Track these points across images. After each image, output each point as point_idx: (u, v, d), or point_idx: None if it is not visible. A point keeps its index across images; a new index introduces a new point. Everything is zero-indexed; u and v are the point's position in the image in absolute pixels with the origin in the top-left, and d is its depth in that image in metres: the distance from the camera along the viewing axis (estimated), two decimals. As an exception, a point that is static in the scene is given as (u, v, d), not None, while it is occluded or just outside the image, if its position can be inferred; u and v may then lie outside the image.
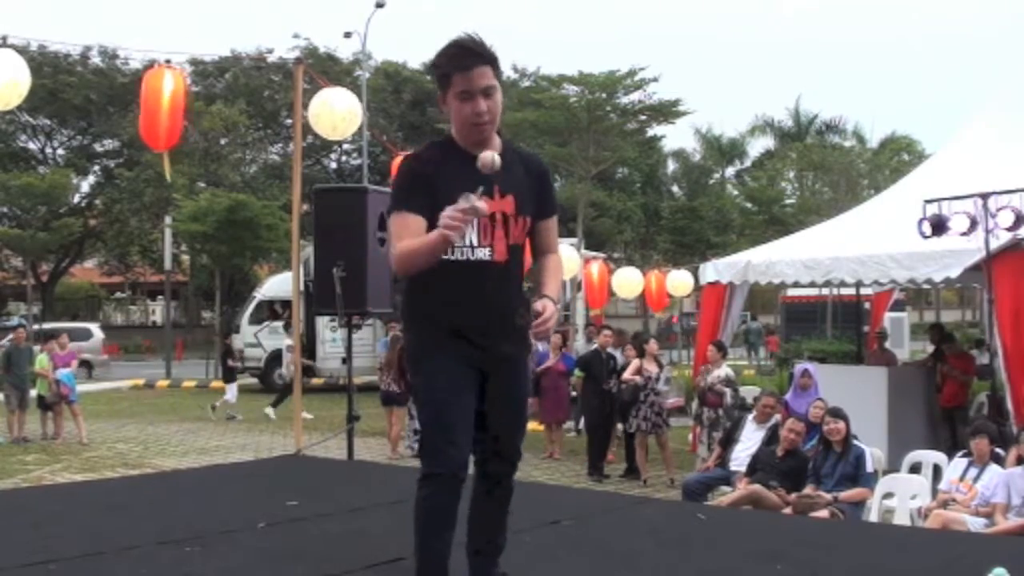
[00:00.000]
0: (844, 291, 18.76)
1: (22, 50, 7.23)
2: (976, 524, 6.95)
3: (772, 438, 8.54)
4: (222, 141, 36.15)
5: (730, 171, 48.16)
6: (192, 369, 28.16)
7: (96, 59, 40.13)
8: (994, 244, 9.08)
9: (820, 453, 7.86)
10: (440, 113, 38.77)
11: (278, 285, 24.14)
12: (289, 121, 36.89)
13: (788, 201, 38.34)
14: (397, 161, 9.45)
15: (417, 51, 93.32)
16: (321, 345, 21.82)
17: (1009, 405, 9.34)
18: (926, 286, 16.16)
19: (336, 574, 4.12)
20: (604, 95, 27.53)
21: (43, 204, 34.51)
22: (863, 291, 15.63)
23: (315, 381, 20.35)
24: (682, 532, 5.05)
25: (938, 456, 8.71)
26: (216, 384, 24.66)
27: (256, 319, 23.70)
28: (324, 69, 32.03)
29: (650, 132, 36.21)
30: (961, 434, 10.46)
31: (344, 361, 15.95)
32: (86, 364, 25.51)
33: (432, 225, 3.24)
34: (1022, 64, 15.08)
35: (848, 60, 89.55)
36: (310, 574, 4.15)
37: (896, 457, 9.32)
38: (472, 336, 3.43)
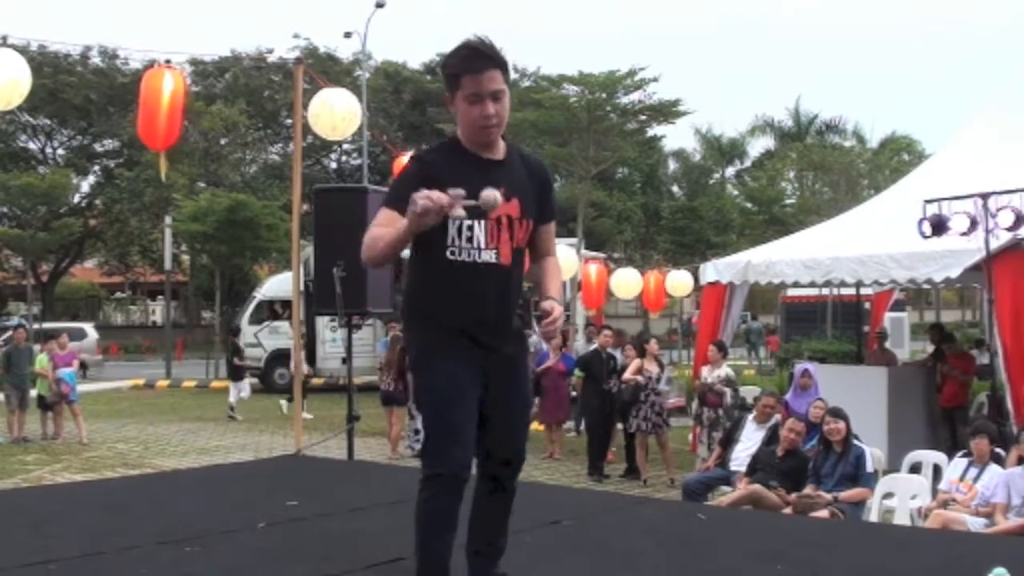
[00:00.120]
0: (844, 291, 18.77)
1: (22, 50, 7.23)
2: (976, 524, 6.95)
3: (772, 438, 8.54)
4: (222, 141, 36.17)
5: (730, 171, 48.21)
6: (192, 369, 28.16)
7: (96, 59, 40.18)
8: (994, 244, 9.09)
9: (820, 453, 7.86)
10: (441, 113, 38.98)
11: (278, 285, 24.13)
12: (289, 121, 36.89)
13: (788, 201, 38.34)
14: (398, 161, 9.47)
15: (417, 51, 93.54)
16: (321, 345, 21.82)
17: (1009, 405, 9.34)
18: (926, 286, 16.15)
19: (336, 574, 4.12)
20: (604, 95, 27.52)
21: (43, 204, 34.51)
22: (863, 291, 15.63)
23: (315, 381, 20.33)
24: (682, 532, 5.05)
25: (938, 456, 8.71)
26: (216, 384, 24.71)
27: (256, 319, 23.70)
28: (324, 69, 32.04)
29: (650, 132, 36.21)
30: (961, 434, 10.46)
31: (344, 361, 15.95)
32: (81, 364, 25.47)
33: (427, 230, 3.25)
34: (1022, 64, 15.09)
35: (848, 60, 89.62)
36: (310, 574, 4.15)
37: (896, 457, 9.32)
38: (475, 336, 3.43)
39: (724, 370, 11.19)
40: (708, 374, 11.37)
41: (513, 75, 40.69)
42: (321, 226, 7.98)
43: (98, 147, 43.66)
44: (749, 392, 12.34)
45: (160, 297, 44.41)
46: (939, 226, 9.24)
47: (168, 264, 30.94)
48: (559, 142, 28.62)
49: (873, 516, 7.56)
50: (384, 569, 4.15)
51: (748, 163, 46.86)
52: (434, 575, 3.47)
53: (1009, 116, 12.09)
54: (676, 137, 70.60)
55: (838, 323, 25.47)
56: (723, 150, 46.58)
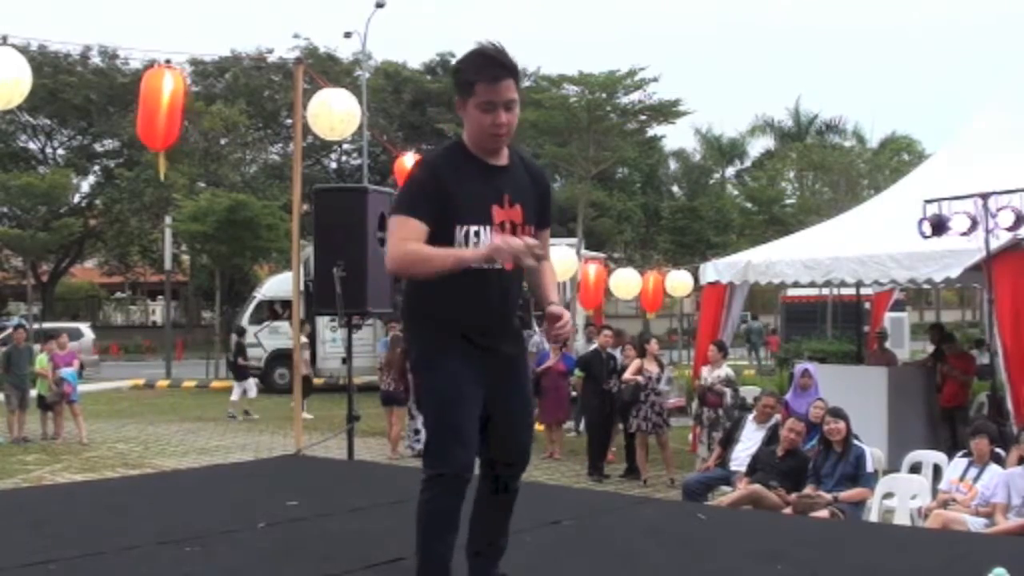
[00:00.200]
0: (844, 291, 18.77)
1: (22, 50, 7.21)
2: (976, 524, 6.95)
3: (772, 438, 8.54)
4: (222, 141, 36.17)
5: (730, 171, 48.19)
6: (192, 369, 28.15)
7: (96, 59, 40.16)
8: (994, 244, 9.08)
9: (820, 453, 7.86)
10: (441, 113, 38.85)
11: (278, 285, 24.12)
12: (289, 121, 36.89)
13: (788, 201, 38.32)
14: (398, 161, 9.47)
15: (417, 51, 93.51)
16: (321, 345, 21.81)
17: (1009, 405, 9.34)
18: (926, 286, 16.15)
19: (336, 574, 4.12)
20: (604, 95, 27.52)
21: (43, 204, 34.50)
22: (863, 291, 15.63)
23: (315, 381, 20.33)
24: (682, 532, 5.05)
25: (938, 456, 8.71)
26: (216, 384, 24.71)
27: (256, 319, 23.69)
28: (324, 69, 32.04)
29: (650, 132, 36.20)
30: (961, 434, 10.45)
31: (344, 361, 15.95)
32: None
33: (434, 235, 3.31)
34: (1022, 64, 15.09)
35: (848, 59, 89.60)
36: (310, 574, 4.15)
37: (896, 457, 9.32)
38: (477, 338, 3.45)
39: (724, 370, 11.20)
40: (708, 374, 11.38)
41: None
42: (321, 226, 7.98)
43: (98, 147, 43.64)
44: (749, 392, 12.34)
45: (160, 297, 44.40)
46: (939, 226, 9.24)
47: (168, 264, 30.93)
48: (559, 142, 28.62)
49: (873, 516, 7.56)
50: (384, 569, 4.15)
51: (748, 163, 46.87)
52: (435, 575, 3.47)
53: (1009, 116, 12.09)
54: (676, 137, 70.63)
55: (838, 323, 25.46)
56: (723, 150, 46.56)
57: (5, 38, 6.95)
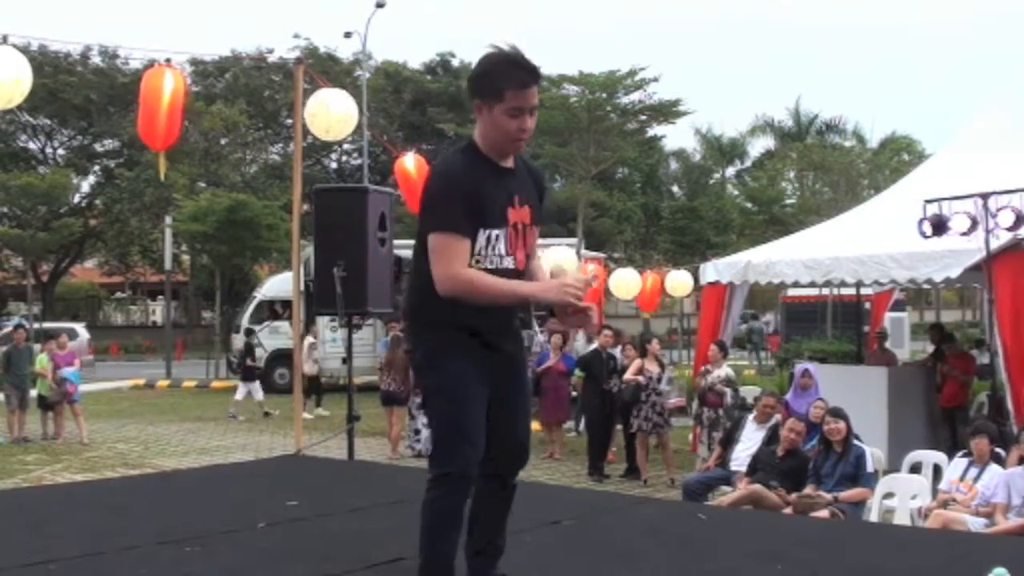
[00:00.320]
0: (844, 291, 18.76)
1: (23, 49, 7.20)
2: (976, 524, 6.95)
3: (772, 438, 8.55)
4: (222, 141, 36.16)
5: (730, 171, 48.16)
6: (192, 369, 28.15)
7: (96, 59, 40.17)
8: (994, 244, 9.08)
9: (820, 453, 7.86)
10: (441, 113, 38.79)
11: (278, 285, 24.12)
12: (289, 121, 36.87)
13: (788, 201, 38.31)
14: (398, 162, 9.46)
15: (417, 51, 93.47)
16: (321, 345, 21.79)
17: (1009, 405, 9.34)
18: (926, 286, 16.15)
19: (336, 574, 4.12)
20: (604, 95, 27.55)
21: (43, 204, 34.51)
22: (863, 291, 15.63)
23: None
24: (682, 532, 5.05)
25: (938, 456, 8.71)
26: (216, 384, 24.71)
27: (256, 319, 23.69)
28: (324, 69, 32.04)
29: (650, 132, 36.21)
30: (961, 434, 10.46)
31: (344, 361, 15.95)
32: (73, 364, 25.47)
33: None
34: (1022, 64, 15.09)
35: (848, 59, 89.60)
36: (310, 574, 4.15)
37: (896, 457, 9.32)
38: (488, 338, 3.49)
39: (724, 370, 11.20)
40: (707, 374, 11.37)
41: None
42: (321, 226, 7.98)
43: (98, 147, 43.64)
44: (749, 392, 12.34)
45: (160, 297, 44.40)
46: (939, 226, 9.24)
47: (168, 264, 30.93)
48: (559, 142, 28.64)
49: (873, 516, 7.56)
50: (384, 569, 4.15)
51: (748, 163, 46.84)
52: (439, 575, 3.48)
53: (1009, 116, 12.09)
54: (676, 137, 70.59)
55: (838, 323, 25.44)
56: (723, 150, 46.54)
57: (5, 38, 6.94)
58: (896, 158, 38.18)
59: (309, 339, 18.02)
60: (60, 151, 43.62)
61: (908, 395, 11.94)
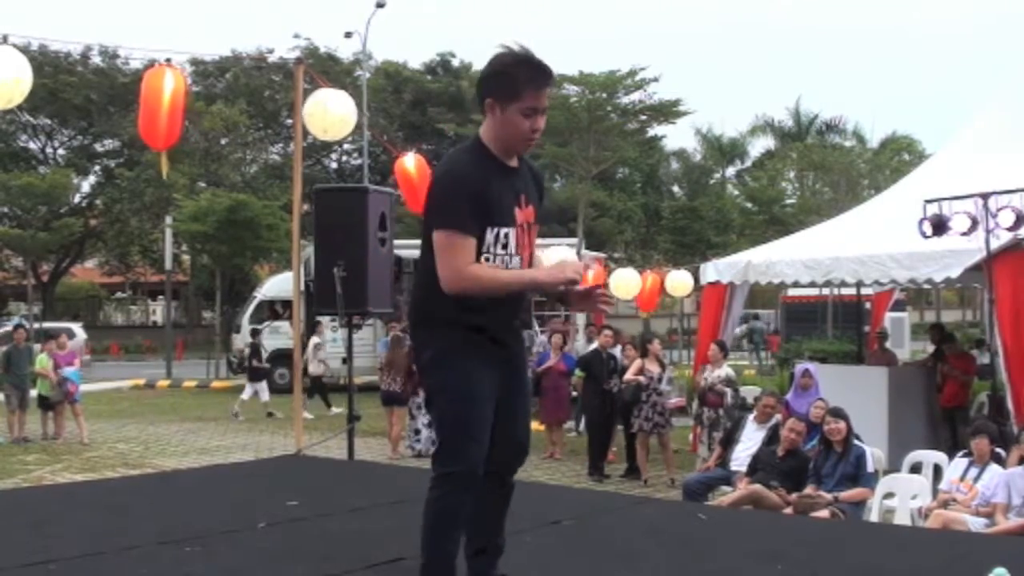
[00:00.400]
0: (844, 291, 18.76)
1: (23, 49, 7.19)
2: (977, 524, 6.95)
3: (773, 438, 8.54)
4: (223, 141, 36.17)
5: (730, 171, 48.14)
6: (193, 369, 28.16)
7: (96, 59, 40.20)
8: (995, 244, 9.08)
9: (821, 453, 7.86)
10: (441, 113, 38.69)
11: (278, 285, 24.12)
12: (289, 121, 36.86)
13: (788, 201, 38.30)
14: (398, 162, 9.45)
15: (418, 51, 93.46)
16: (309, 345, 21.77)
17: (1009, 405, 9.33)
18: (927, 286, 16.15)
19: (336, 574, 4.12)
20: (605, 95, 27.53)
21: (43, 204, 34.52)
22: (863, 291, 15.63)
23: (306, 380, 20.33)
24: (683, 532, 5.05)
25: (939, 456, 8.70)
26: (216, 384, 24.72)
27: (257, 319, 23.68)
28: (325, 69, 32.05)
29: (650, 132, 36.19)
30: (962, 434, 10.45)
31: (344, 361, 15.94)
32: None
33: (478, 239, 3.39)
34: (1022, 64, 15.08)
35: (848, 59, 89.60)
36: (310, 574, 4.15)
37: (897, 457, 9.32)
38: (497, 337, 3.51)
39: (725, 370, 11.20)
40: (708, 373, 11.37)
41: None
42: (321, 226, 7.98)
43: (98, 147, 43.67)
44: (749, 392, 12.34)
45: (160, 297, 44.41)
46: (939, 226, 9.24)
47: (168, 264, 30.94)
48: (559, 142, 28.61)
49: (874, 516, 7.56)
50: (384, 569, 4.15)
51: (748, 163, 46.79)
52: (442, 573, 3.49)
53: (1009, 116, 12.09)
54: (676, 137, 70.49)
55: (838, 323, 25.44)
56: (723, 150, 46.51)
57: (5, 38, 6.94)
58: (896, 158, 38.15)
59: (315, 339, 18.01)
60: (60, 151, 43.64)
61: (908, 395, 11.94)
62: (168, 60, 7.59)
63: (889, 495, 7.78)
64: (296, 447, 8.35)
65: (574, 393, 13.45)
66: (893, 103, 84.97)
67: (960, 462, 7.64)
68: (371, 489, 6.37)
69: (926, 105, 77.84)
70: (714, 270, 12.58)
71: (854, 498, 7.46)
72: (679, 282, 16.77)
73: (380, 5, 30.46)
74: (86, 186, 43.11)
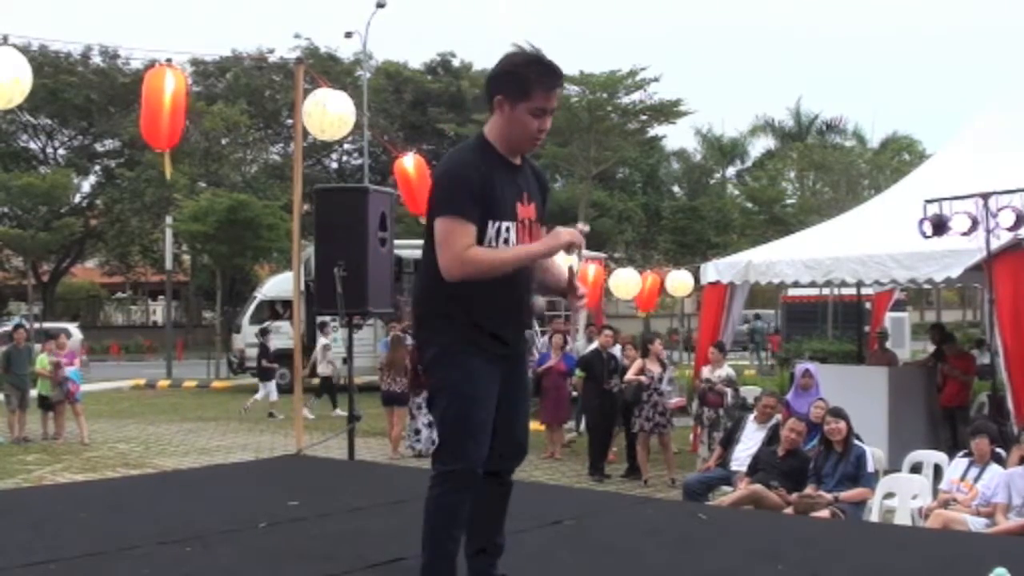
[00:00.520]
0: (845, 291, 18.75)
1: (23, 50, 7.20)
2: (977, 524, 6.95)
3: (773, 438, 8.54)
4: (223, 141, 36.19)
5: (731, 171, 48.11)
6: (193, 369, 28.15)
7: (97, 59, 40.20)
8: (995, 244, 9.08)
9: (821, 453, 7.86)
10: (442, 113, 38.76)
11: (279, 285, 24.10)
12: (290, 121, 36.87)
13: (789, 201, 38.29)
14: (398, 162, 9.45)
15: (418, 51, 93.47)
16: (316, 346, 21.76)
17: (1010, 405, 9.33)
18: (927, 286, 16.15)
19: (336, 574, 4.12)
20: (605, 95, 27.60)
21: (44, 204, 34.52)
22: (864, 291, 15.63)
23: (315, 381, 20.30)
24: (683, 532, 5.05)
25: (939, 456, 8.70)
26: (217, 384, 24.71)
27: (257, 319, 23.66)
28: (325, 69, 32.05)
29: (651, 132, 36.23)
30: (962, 434, 10.44)
31: (344, 361, 15.92)
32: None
33: (479, 231, 3.40)
34: (1022, 64, 15.08)
35: (849, 60, 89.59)
36: (310, 574, 4.15)
37: (897, 457, 9.31)
38: (500, 335, 3.52)
39: (725, 370, 11.18)
40: (709, 374, 11.37)
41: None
42: (322, 226, 7.98)
43: (99, 147, 43.67)
44: (750, 392, 12.34)
45: (161, 297, 44.41)
46: (940, 226, 9.24)
47: (169, 264, 30.93)
48: (560, 142, 28.67)
49: (874, 516, 7.56)
50: (384, 569, 4.15)
51: (749, 163, 46.77)
52: (443, 572, 3.49)
53: (1009, 116, 12.09)
54: (677, 137, 70.63)
55: (839, 323, 25.43)
56: (724, 150, 46.49)
57: (5, 38, 6.95)
58: (897, 158, 38.15)
59: (323, 340, 18.00)
60: (61, 151, 43.64)
61: (909, 395, 11.94)
62: (168, 60, 7.60)
63: (889, 495, 7.77)
64: (296, 447, 8.36)
65: (574, 393, 13.45)
66: (893, 103, 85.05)
67: (960, 462, 7.64)
68: (371, 489, 6.37)
69: (926, 105, 77.87)
70: (714, 270, 12.58)
71: (854, 498, 7.45)
72: (679, 282, 16.79)
73: (380, 5, 30.49)
74: (86, 186, 43.17)
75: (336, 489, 6.36)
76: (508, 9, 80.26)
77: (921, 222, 9.36)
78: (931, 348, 13.86)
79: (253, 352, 22.40)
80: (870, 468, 7.69)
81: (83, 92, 39.24)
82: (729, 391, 11.15)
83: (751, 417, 9.28)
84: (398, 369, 13.01)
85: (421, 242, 3.65)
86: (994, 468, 7.34)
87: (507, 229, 3.47)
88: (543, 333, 15.46)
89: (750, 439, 8.95)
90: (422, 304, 3.59)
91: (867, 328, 18.26)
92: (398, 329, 13.61)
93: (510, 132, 3.49)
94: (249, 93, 40.17)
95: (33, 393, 14.72)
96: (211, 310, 38.23)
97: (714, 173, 47.90)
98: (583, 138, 27.74)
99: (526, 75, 3.42)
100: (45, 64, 36.01)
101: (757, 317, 32.43)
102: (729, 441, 9.29)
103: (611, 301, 24.36)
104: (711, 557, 4.50)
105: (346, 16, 75.78)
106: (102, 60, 40.10)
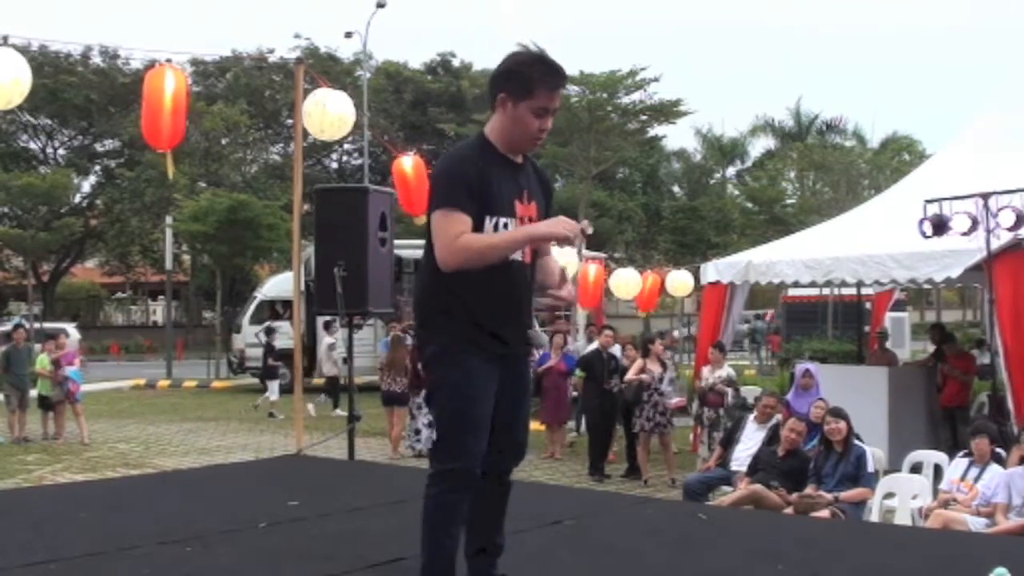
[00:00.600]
0: (845, 291, 18.75)
1: (23, 50, 7.21)
2: (977, 524, 6.95)
3: (773, 438, 8.54)
4: (223, 141, 36.20)
5: (731, 171, 48.13)
6: (193, 369, 28.15)
7: (97, 59, 40.21)
8: (995, 244, 9.08)
9: (821, 453, 7.86)
10: (442, 113, 38.79)
11: (279, 285, 24.10)
12: (290, 121, 36.89)
13: (789, 201, 38.30)
14: (398, 162, 9.44)
15: (418, 51, 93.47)
16: (321, 345, 21.76)
17: (1010, 405, 9.33)
18: (927, 286, 16.15)
19: (336, 574, 4.12)
20: (605, 95, 27.59)
21: (44, 204, 34.53)
22: (864, 291, 15.62)
23: (315, 381, 20.30)
24: (683, 532, 5.05)
25: (939, 456, 8.70)
26: (217, 384, 24.72)
27: (257, 319, 23.66)
28: (325, 69, 32.06)
29: (651, 132, 36.22)
30: (962, 434, 10.45)
31: (345, 361, 15.92)
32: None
33: (476, 227, 3.38)
34: (1022, 64, 15.09)
35: (849, 60, 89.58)
36: (310, 574, 4.15)
37: (897, 457, 9.32)
38: (500, 334, 3.51)
39: (725, 370, 11.18)
40: (709, 375, 11.36)
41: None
42: (322, 226, 7.98)
43: (99, 147, 43.68)
44: (750, 392, 12.33)
45: (161, 297, 44.40)
46: (940, 226, 9.24)
47: (169, 264, 30.92)
48: (560, 142, 28.66)
49: (874, 516, 7.56)
50: (384, 569, 4.15)
51: (749, 163, 46.79)
52: (442, 571, 3.49)
53: (1009, 116, 12.09)
54: (677, 137, 70.67)
55: (839, 323, 25.43)
56: (724, 150, 46.50)
57: (5, 38, 6.94)
58: (897, 158, 38.16)
59: (328, 340, 17.99)
60: (61, 151, 43.65)
61: (909, 395, 11.94)
62: (168, 60, 7.59)
63: (889, 495, 7.77)
64: (296, 447, 8.35)
65: (574, 393, 13.45)
66: (893, 103, 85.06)
67: (960, 462, 7.64)
68: (371, 489, 6.37)
69: (926, 105, 77.88)
70: (714, 270, 12.57)
71: (854, 498, 7.45)
72: (679, 282, 16.79)
73: (380, 5, 30.48)
74: (86, 186, 43.19)
75: (336, 489, 6.35)
76: (509, 9, 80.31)
77: (921, 222, 9.36)
78: (931, 348, 13.85)
79: (253, 352, 22.43)
80: (870, 468, 7.69)
81: (83, 92, 39.25)
82: (729, 391, 11.14)
83: (751, 417, 9.28)
84: (398, 369, 13.01)
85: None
86: (994, 468, 7.34)
87: (505, 226, 3.45)
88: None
89: (750, 439, 8.95)
90: (423, 302, 3.60)
91: (867, 328, 18.25)
92: (398, 329, 13.61)
93: (511, 130, 3.49)
94: (249, 93, 40.17)
95: (33, 393, 14.71)
96: (211, 310, 38.24)
97: (714, 173, 47.91)
98: (583, 138, 27.74)
99: (530, 74, 3.43)
100: (45, 64, 36.02)
101: (758, 317, 32.43)
102: (729, 441, 9.29)
103: (611, 301, 24.33)
104: (711, 557, 4.50)
105: (346, 16, 75.85)
106: (102, 60, 40.13)
